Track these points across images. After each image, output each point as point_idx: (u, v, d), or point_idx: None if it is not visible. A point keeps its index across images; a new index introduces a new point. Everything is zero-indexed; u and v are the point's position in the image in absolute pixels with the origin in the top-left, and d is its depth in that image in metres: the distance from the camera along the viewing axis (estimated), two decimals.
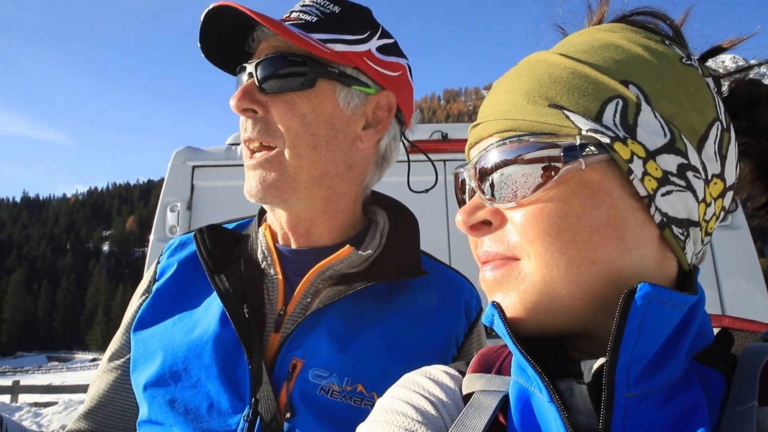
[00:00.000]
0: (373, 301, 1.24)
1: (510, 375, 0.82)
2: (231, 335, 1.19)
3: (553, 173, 0.72)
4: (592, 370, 0.70)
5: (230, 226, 1.46)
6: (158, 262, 1.42)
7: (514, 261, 0.75)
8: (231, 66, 1.32)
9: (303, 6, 1.28)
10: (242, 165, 3.90)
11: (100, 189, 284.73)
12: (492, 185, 0.77)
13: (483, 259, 0.79)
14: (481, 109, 0.85)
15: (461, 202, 0.87)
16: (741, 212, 3.44)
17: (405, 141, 1.44)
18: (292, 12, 1.28)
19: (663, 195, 0.73)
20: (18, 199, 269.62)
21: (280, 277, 1.27)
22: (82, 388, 21.73)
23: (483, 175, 0.78)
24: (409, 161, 1.46)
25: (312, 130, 1.21)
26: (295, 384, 1.13)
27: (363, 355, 1.16)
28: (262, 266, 1.30)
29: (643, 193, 0.73)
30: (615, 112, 0.73)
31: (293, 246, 1.31)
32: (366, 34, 1.28)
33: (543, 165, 0.73)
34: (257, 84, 1.21)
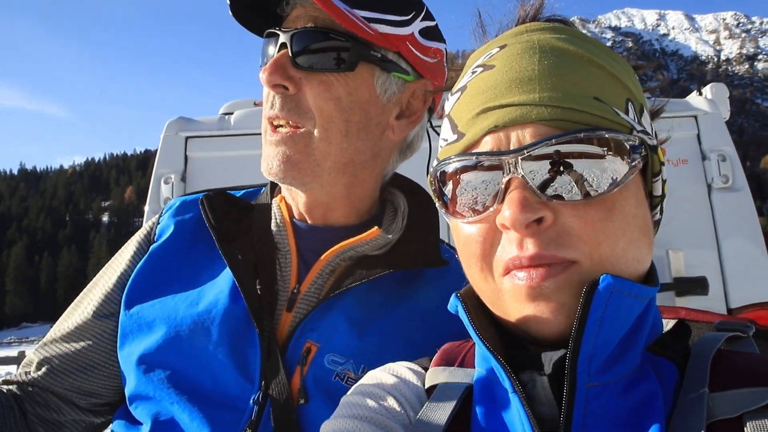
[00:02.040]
0: (390, 287, 1.18)
1: (472, 367, 0.82)
2: (242, 311, 1.12)
3: (623, 171, 0.71)
4: (552, 361, 0.70)
5: (237, 194, 1.37)
6: (157, 222, 1.33)
7: (571, 265, 0.70)
8: (258, 26, 1.21)
9: None
10: (236, 135, 3.80)
11: (97, 160, 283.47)
12: (556, 179, 0.70)
13: (534, 262, 0.69)
14: (488, 90, 0.76)
15: (442, 197, 0.80)
16: (742, 174, 3.43)
17: (430, 127, 1.35)
18: None
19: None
20: (15, 172, 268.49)
21: (294, 252, 1.20)
22: None
23: (544, 166, 0.70)
24: (431, 147, 1.36)
25: (346, 115, 1.13)
26: (309, 369, 1.08)
27: (380, 343, 1.11)
28: (275, 240, 1.22)
29: (658, 193, 0.76)
30: (634, 113, 0.75)
31: (309, 222, 1.24)
32: (411, 15, 1.18)
33: (617, 161, 0.70)
34: (291, 57, 1.12)
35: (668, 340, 0.77)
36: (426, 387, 0.84)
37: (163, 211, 1.35)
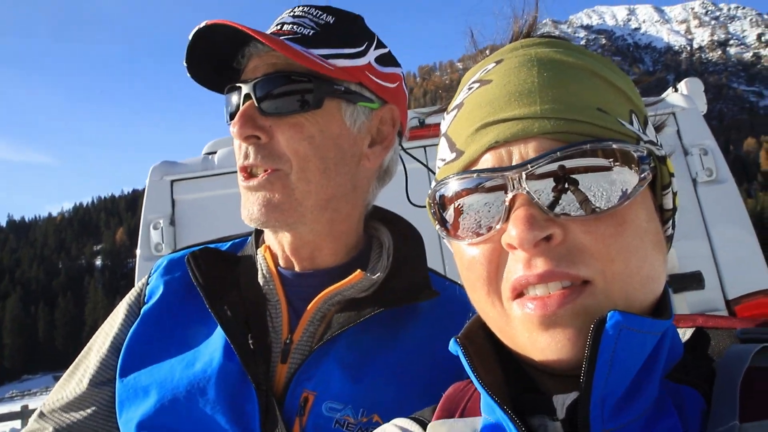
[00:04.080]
0: (382, 326, 1.16)
1: (476, 414, 0.78)
2: (236, 367, 1.11)
3: (633, 183, 0.67)
4: (565, 406, 0.65)
5: (224, 246, 1.37)
6: (147, 283, 1.33)
7: (585, 286, 0.65)
8: (218, 83, 1.23)
9: (295, 17, 1.19)
10: (221, 174, 3.81)
11: (85, 204, 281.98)
12: (559, 194, 0.66)
13: (543, 280, 0.65)
14: (487, 105, 0.73)
15: (442, 220, 0.76)
16: (725, 165, 3.47)
17: (402, 150, 1.37)
18: (283, 24, 1.18)
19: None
20: (4, 224, 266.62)
21: (283, 302, 1.20)
22: None
23: (549, 182, 0.66)
24: (406, 172, 1.37)
25: (321, 153, 1.14)
26: (308, 419, 1.08)
27: (377, 385, 1.10)
28: (264, 291, 1.22)
29: (669, 206, 0.72)
30: (638, 124, 0.72)
31: (296, 269, 1.23)
32: (364, 45, 1.21)
33: (626, 173, 0.66)
34: (257, 106, 1.13)
35: (688, 360, 0.71)
36: None
37: (152, 272, 1.35)
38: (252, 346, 1.13)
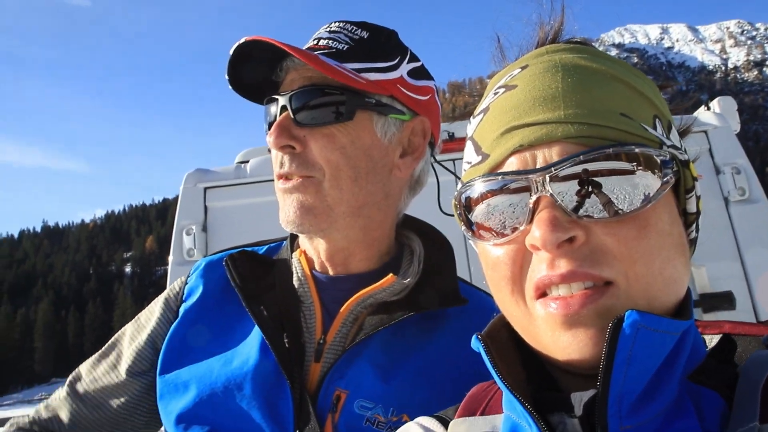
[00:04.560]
0: (412, 329, 1.21)
1: (497, 412, 0.80)
2: (272, 365, 1.16)
3: (656, 187, 0.67)
4: (582, 403, 0.66)
5: (261, 250, 1.43)
6: (186, 282, 1.39)
7: (608, 286, 0.67)
8: (257, 95, 1.29)
9: (331, 33, 1.25)
10: (253, 183, 3.88)
11: (117, 212, 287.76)
12: (582, 197, 0.67)
13: (566, 280, 0.67)
14: (511, 110, 0.75)
15: (468, 221, 0.78)
16: (758, 184, 3.42)
17: (434, 161, 1.41)
18: (319, 39, 1.25)
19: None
20: (39, 229, 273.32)
21: (317, 304, 1.25)
22: None
23: (572, 185, 0.68)
24: (438, 182, 1.41)
25: (353, 162, 1.19)
26: (340, 416, 1.12)
27: (406, 386, 1.14)
28: (299, 293, 1.27)
29: (693, 209, 0.73)
30: (662, 129, 0.73)
31: (330, 273, 1.28)
32: (396, 60, 1.25)
33: (648, 177, 0.67)
34: (292, 117, 1.18)
35: (711, 364, 0.72)
36: None
37: (191, 272, 1.41)
38: (287, 345, 1.17)
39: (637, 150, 0.67)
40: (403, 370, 1.16)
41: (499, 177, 0.72)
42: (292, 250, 1.36)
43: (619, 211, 0.66)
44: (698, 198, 0.75)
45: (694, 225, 0.76)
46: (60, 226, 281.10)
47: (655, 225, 0.67)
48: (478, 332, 0.77)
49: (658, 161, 0.68)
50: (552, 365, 0.74)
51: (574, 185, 0.68)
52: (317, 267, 1.30)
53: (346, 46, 1.22)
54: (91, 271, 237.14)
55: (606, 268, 0.66)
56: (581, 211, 0.67)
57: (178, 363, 1.27)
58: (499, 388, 0.84)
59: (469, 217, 0.77)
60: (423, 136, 1.29)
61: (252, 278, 1.28)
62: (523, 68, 0.79)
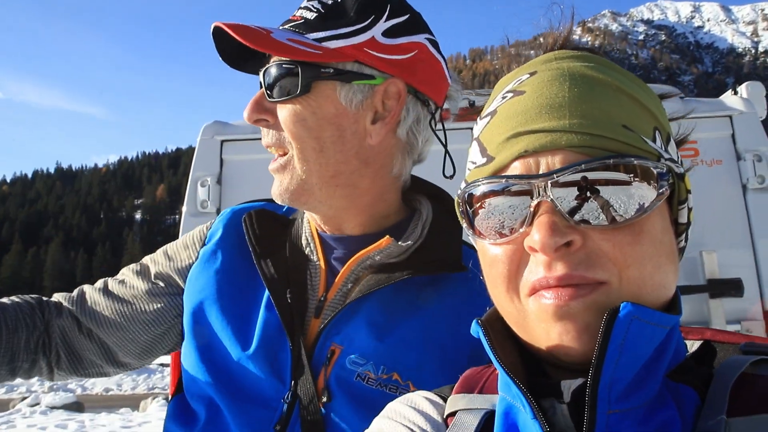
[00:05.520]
0: (412, 291, 1.23)
1: (492, 393, 0.84)
2: (275, 319, 1.22)
3: (651, 197, 0.71)
4: (571, 390, 0.71)
5: (281, 210, 1.47)
6: (209, 227, 1.45)
7: (600, 285, 0.70)
8: (252, 68, 1.31)
9: (308, 1, 1.26)
10: None
11: (130, 158, 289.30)
12: (580, 204, 0.71)
13: (561, 282, 0.70)
14: (519, 115, 0.77)
15: (468, 219, 0.81)
16: None
17: (435, 122, 1.34)
18: (298, 8, 1.27)
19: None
20: (52, 170, 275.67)
21: (322, 263, 1.29)
22: None
23: (572, 192, 0.71)
24: (446, 147, 1.36)
25: (315, 133, 1.19)
26: (332, 370, 1.17)
27: (400, 345, 1.17)
28: (306, 252, 1.32)
29: (684, 220, 0.76)
30: (661, 142, 0.76)
31: (334, 234, 1.32)
32: (368, 21, 1.22)
33: (644, 188, 0.71)
34: (265, 92, 1.22)
35: (690, 364, 0.78)
36: (445, 415, 0.86)
37: (216, 219, 1.47)
38: (289, 301, 1.22)
39: (635, 162, 0.71)
40: (398, 330, 1.19)
41: (503, 180, 0.75)
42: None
43: (616, 219, 0.70)
44: (690, 210, 0.79)
45: (684, 235, 0.79)
46: (73, 168, 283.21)
47: (649, 233, 0.71)
48: (479, 318, 0.80)
49: (655, 173, 0.71)
50: (544, 360, 0.78)
51: (573, 192, 0.71)
52: (321, 228, 1.33)
53: (315, 15, 1.22)
54: (101, 215, 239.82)
55: (600, 270, 0.70)
56: (578, 217, 0.70)
57: (193, 307, 1.33)
58: (493, 371, 0.89)
59: (471, 215, 0.80)
60: (397, 98, 1.25)
61: (267, 236, 1.33)
62: (531, 74, 0.81)
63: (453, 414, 0.85)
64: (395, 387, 1.15)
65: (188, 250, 1.44)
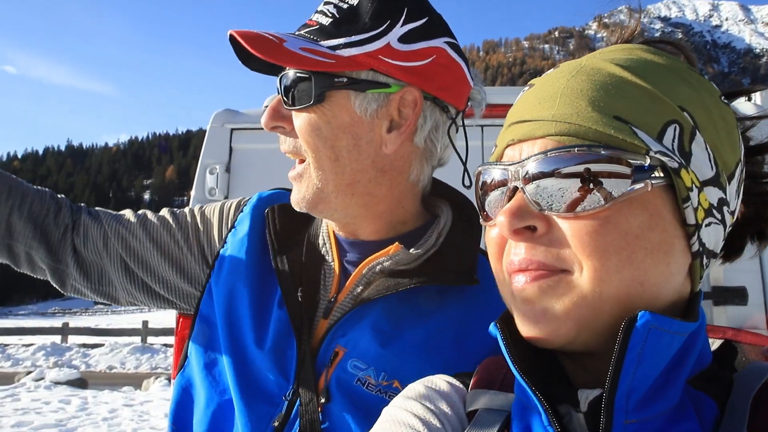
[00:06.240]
0: (421, 300, 1.22)
1: (512, 389, 0.84)
2: (285, 316, 1.23)
3: (622, 190, 0.70)
4: (588, 400, 0.70)
5: None
6: (239, 208, 1.46)
7: (561, 273, 0.72)
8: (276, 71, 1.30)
9: (325, 4, 1.23)
10: None
11: (140, 138, 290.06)
12: (547, 191, 0.72)
13: (522, 266, 0.73)
14: (522, 106, 0.80)
15: (481, 202, 0.84)
16: None
17: (456, 127, 1.31)
18: (315, 12, 1.25)
19: (706, 226, 0.74)
20: (63, 148, 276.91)
21: (336, 265, 1.29)
22: (127, 332, 22.85)
23: (537, 178, 0.73)
24: (465, 158, 1.31)
25: (330, 142, 1.18)
26: (334, 371, 1.17)
27: (402, 353, 1.16)
28: (322, 252, 1.32)
29: (691, 221, 0.73)
30: (674, 137, 0.73)
31: (349, 238, 1.32)
32: (384, 26, 1.18)
33: (613, 180, 0.70)
34: (283, 99, 1.21)
35: (713, 371, 0.76)
36: (467, 411, 0.86)
37: (247, 203, 1.47)
38: (300, 299, 1.23)
39: (603, 152, 0.70)
40: (401, 338, 1.18)
41: (490, 166, 0.81)
42: None
43: (574, 208, 0.70)
44: (701, 210, 0.74)
45: (695, 237, 0.74)
46: (84, 146, 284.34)
47: (617, 224, 0.69)
48: (496, 320, 0.79)
49: (633, 165, 0.70)
50: (561, 355, 0.79)
51: (544, 180, 0.72)
52: (338, 231, 1.33)
53: (330, 20, 1.19)
54: (110, 194, 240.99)
55: (559, 258, 0.71)
56: (544, 204, 0.72)
57: (216, 290, 1.36)
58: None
59: (479, 195, 0.85)
60: (413, 106, 1.22)
61: (285, 232, 1.33)
62: (554, 69, 0.83)
63: (473, 411, 0.86)
64: (394, 394, 1.12)
65: (219, 230, 1.47)
